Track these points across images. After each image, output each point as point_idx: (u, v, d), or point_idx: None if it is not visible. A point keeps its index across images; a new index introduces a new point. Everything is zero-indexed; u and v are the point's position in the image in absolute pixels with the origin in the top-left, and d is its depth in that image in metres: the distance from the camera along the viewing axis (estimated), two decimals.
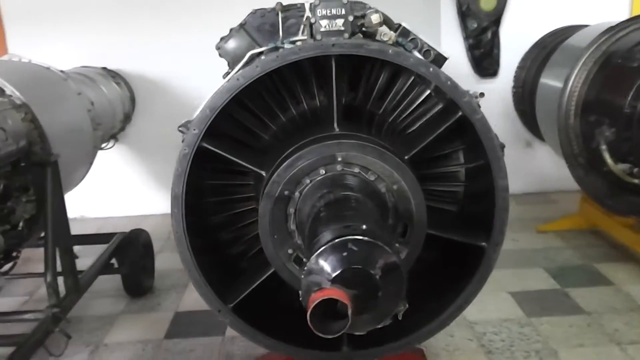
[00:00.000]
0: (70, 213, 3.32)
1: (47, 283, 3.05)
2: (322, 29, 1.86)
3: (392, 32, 2.12)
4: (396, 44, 2.13)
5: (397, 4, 5.71)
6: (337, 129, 1.92)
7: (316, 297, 1.33)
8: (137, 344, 3.33)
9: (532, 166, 5.47)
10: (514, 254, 4.30)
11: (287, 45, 1.91)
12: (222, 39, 2.38)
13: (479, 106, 1.92)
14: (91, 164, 3.95)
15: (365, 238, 1.38)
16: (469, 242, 2.03)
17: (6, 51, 5.29)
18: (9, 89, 3.15)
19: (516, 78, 5.04)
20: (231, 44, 2.35)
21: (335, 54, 1.85)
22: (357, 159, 1.83)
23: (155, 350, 3.24)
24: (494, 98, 5.23)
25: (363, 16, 2.29)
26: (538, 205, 5.33)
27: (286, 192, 1.87)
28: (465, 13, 5.10)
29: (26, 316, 3.13)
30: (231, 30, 2.37)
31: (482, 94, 2.00)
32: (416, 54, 2.12)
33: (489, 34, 5.14)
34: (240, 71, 1.84)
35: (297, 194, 1.88)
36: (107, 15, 5.17)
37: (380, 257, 1.39)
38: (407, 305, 1.50)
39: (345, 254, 1.38)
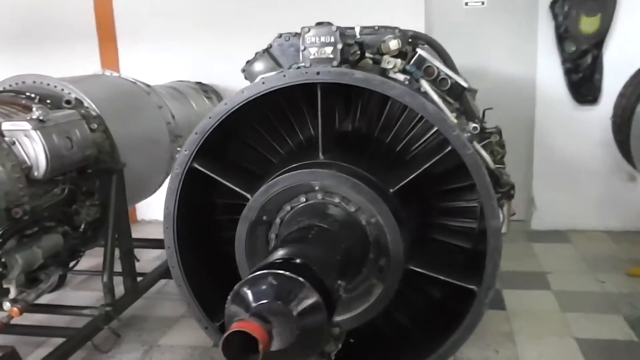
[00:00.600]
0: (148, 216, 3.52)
1: (103, 283, 3.29)
2: (311, 57, 1.85)
3: (398, 59, 2.06)
4: (404, 71, 2.07)
5: (494, 23, 5.54)
6: (321, 157, 1.90)
7: (231, 328, 1.33)
8: (187, 349, 3.47)
9: (634, 201, 4.97)
10: (594, 296, 3.94)
11: (291, 70, 1.93)
12: (248, 62, 2.44)
13: (472, 140, 1.81)
14: (168, 173, 4.19)
15: (287, 273, 1.36)
16: (458, 283, 1.90)
17: (118, 66, 5.82)
18: (87, 102, 3.46)
19: (616, 106, 4.62)
20: (256, 67, 2.41)
21: (319, 81, 1.83)
22: (335, 188, 1.80)
23: (202, 356, 3.36)
24: (594, 126, 4.86)
25: (383, 41, 2.28)
26: (637, 246, 4.83)
27: (264, 218, 1.88)
28: (562, 35, 4.79)
29: (84, 312, 3.40)
30: (256, 53, 2.43)
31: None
32: (423, 82, 2.04)
33: (589, 58, 4.77)
34: (229, 96, 1.89)
35: (277, 220, 1.88)
36: (204, 32, 5.48)
37: (301, 294, 1.36)
38: (340, 346, 1.44)
39: (264, 287, 1.36)
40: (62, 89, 3.47)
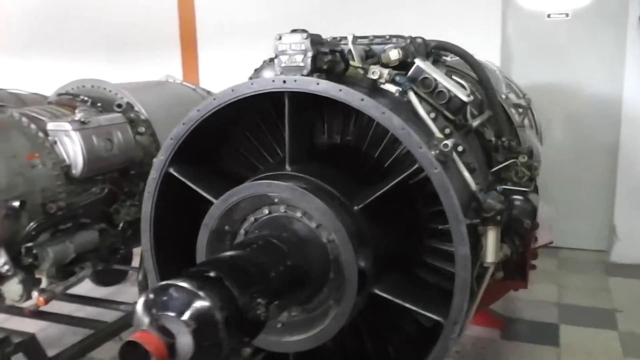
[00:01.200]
0: None
1: (138, 281, 3.41)
2: (282, 65, 1.80)
3: (386, 70, 1.94)
4: (393, 82, 1.95)
5: (579, 37, 5.15)
6: (288, 169, 1.83)
7: (131, 337, 1.31)
8: None
9: None
10: None
11: (260, 79, 1.89)
12: (255, 70, 2.42)
13: (442, 160, 1.66)
14: None
15: (186, 285, 1.31)
16: (423, 313, 1.75)
17: (198, 73, 6.07)
18: (137, 106, 3.62)
19: None
20: (265, 75, 2.37)
21: (285, 90, 1.77)
22: (295, 202, 1.72)
23: None
24: None
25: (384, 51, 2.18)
26: None
27: (227, 227, 1.84)
28: None
29: (121, 307, 3.55)
30: (264, 61, 2.40)
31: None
32: (411, 94, 1.91)
33: None
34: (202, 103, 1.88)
35: (242, 231, 1.84)
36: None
37: (199, 308, 1.30)
38: None
39: (166, 298, 1.32)
40: (116, 94, 3.66)
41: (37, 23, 6.79)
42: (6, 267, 2.93)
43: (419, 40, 2.60)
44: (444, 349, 1.74)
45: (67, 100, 3.58)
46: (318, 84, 1.73)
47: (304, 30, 1.79)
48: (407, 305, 1.78)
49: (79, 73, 4.10)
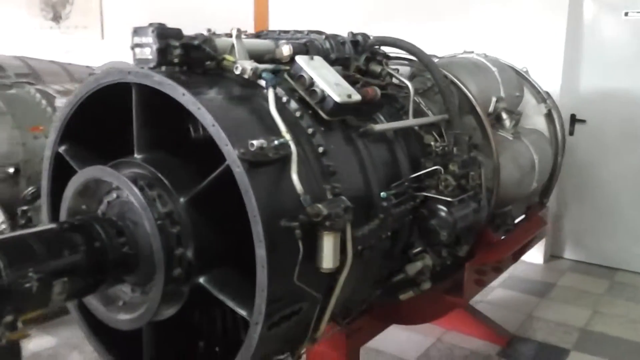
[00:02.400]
0: None
1: None
2: (136, 57, 1.89)
3: (249, 65, 1.96)
4: (259, 77, 1.96)
5: None
6: (136, 157, 1.92)
7: None
8: None
9: None
10: None
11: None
12: None
13: (251, 159, 1.65)
14: None
15: None
16: (235, 308, 1.77)
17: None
18: None
19: None
20: None
21: (130, 82, 1.86)
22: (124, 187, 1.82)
23: None
24: None
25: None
26: None
27: (83, 207, 1.98)
28: None
29: None
30: None
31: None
32: (270, 91, 1.91)
33: None
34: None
35: (99, 212, 1.97)
36: None
37: None
38: (9, 334, 1.50)
39: None
40: None
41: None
42: (3, 226, 3.32)
43: (359, 37, 2.56)
44: (249, 349, 1.74)
45: None
46: (153, 77, 1.79)
47: (156, 24, 1.86)
48: (221, 297, 1.80)
49: None
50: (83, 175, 1.93)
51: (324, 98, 2.02)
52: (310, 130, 1.96)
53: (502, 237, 3.04)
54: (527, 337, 4.14)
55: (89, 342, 2.20)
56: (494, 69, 3.34)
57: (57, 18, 9.17)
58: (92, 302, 1.99)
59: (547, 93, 3.98)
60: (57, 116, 2.12)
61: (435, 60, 3.27)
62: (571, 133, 5.51)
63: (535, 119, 3.73)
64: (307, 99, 2.05)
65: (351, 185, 2.04)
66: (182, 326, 2.15)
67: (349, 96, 2.06)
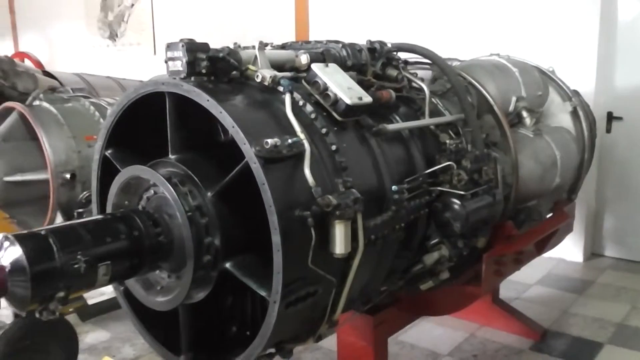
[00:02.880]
0: None
1: None
2: (170, 69, 2.14)
3: (269, 73, 2.19)
4: (278, 83, 2.19)
5: None
6: (170, 157, 2.18)
7: None
8: None
9: None
10: None
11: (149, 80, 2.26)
12: None
13: (266, 156, 1.88)
14: None
15: (9, 236, 1.76)
16: (253, 288, 2.00)
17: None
18: None
19: None
20: None
21: (164, 91, 2.12)
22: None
23: None
24: None
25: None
26: None
27: (126, 202, 2.25)
28: None
29: None
30: None
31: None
32: (286, 97, 2.13)
33: None
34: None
35: (140, 207, 2.24)
36: None
37: (14, 255, 1.74)
38: (61, 307, 1.77)
39: (3, 244, 1.79)
40: None
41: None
42: None
43: (376, 44, 2.75)
44: (268, 325, 1.96)
45: None
46: (182, 86, 2.05)
47: (183, 40, 2.11)
48: (245, 280, 2.02)
49: None
50: (125, 174, 2.20)
51: (336, 101, 2.22)
52: (323, 130, 2.16)
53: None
54: (562, 331, 4.20)
55: (132, 323, 2.46)
56: (514, 69, 3.47)
57: (113, 36, 9.73)
58: (135, 287, 2.25)
59: (576, 91, 4.06)
60: (104, 124, 2.39)
61: (457, 63, 3.43)
62: (608, 130, 5.52)
63: (560, 116, 3.81)
64: (322, 102, 2.25)
65: (363, 179, 2.23)
66: (216, 313, 2.39)
67: (360, 98, 2.25)
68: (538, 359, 3.84)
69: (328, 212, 1.98)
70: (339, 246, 2.02)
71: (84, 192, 3.66)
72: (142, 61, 8.99)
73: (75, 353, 3.55)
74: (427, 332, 4.23)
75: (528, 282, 5.16)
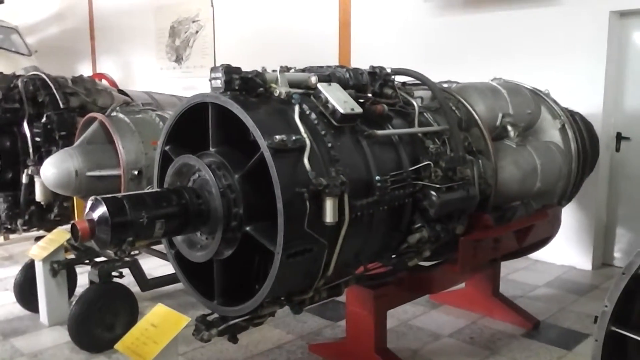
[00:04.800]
0: None
1: None
2: (213, 86, 2.94)
3: (284, 89, 2.95)
4: (291, 97, 2.95)
5: None
6: (211, 149, 2.97)
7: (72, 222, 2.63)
8: None
9: None
10: None
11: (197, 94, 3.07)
12: None
13: (276, 147, 2.63)
14: None
15: (98, 198, 2.58)
16: (267, 245, 2.74)
17: None
18: None
19: None
20: None
21: (207, 102, 2.92)
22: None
23: None
24: None
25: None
26: None
27: (178, 183, 3.05)
28: None
29: None
30: None
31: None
32: (296, 107, 2.88)
33: None
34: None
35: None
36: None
37: (101, 210, 2.56)
38: (128, 252, 2.58)
39: (93, 204, 2.61)
40: None
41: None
42: None
43: (376, 69, 3.48)
44: (274, 272, 2.69)
45: None
46: (219, 98, 2.84)
47: (223, 65, 2.90)
48: (261, 240, 2.77)
49: None
50: (178, 161, 3.00)
51: (334, 111, 2.96)
52: (323, 132, 2.90)
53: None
54: (554, 324, 4.72)
55: (180, 279, 3.25)
56: (504, 91, 4.12)
57: (179, 60, 10.83)
58: (182, 246, 3.04)
59: (569, 110, 4.64)
60: (165, 126, 3.22)
61: (453, 86, 4.12)
62: (618, 150, 6.00)
63: (551, 132, 4.42)
64: (323, 111, 2.99)
65: (352, 170, 2.95)
66: (245, 274, 3.14)
67: (352, 109, 2.99)
68: (527, 343, 4.39)
69: (320, 190, 2.71)
70: (329, 216, 2.75)
71: (148, 186, 4.51)
72: (204, 82, 9.98)
73: (136, 316, 4.37)
74: (433, 319, 4.86)
75: (536, 284, 5.68)
